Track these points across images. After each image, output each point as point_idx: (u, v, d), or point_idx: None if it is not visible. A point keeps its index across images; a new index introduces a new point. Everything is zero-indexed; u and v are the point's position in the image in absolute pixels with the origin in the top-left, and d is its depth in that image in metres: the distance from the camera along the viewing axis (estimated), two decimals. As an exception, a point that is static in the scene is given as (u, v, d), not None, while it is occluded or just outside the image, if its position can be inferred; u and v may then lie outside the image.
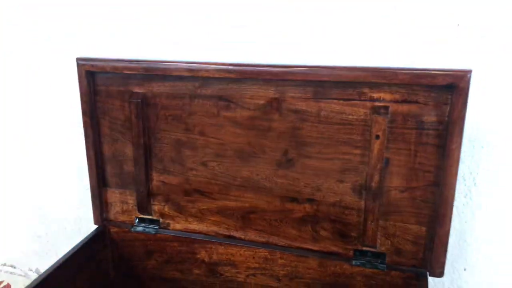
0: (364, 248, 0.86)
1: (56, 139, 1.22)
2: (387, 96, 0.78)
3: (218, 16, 0.98)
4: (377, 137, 0.79)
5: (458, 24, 0.83)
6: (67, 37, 1.10)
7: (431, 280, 1.01)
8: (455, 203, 0.95)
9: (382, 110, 0.78)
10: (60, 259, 0.88)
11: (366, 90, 0.78)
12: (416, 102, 0.76)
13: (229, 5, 0.96)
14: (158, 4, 1.01)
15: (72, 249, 0.92)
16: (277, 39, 0.95)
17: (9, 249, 1.41)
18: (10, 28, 1.14)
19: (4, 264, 1.44)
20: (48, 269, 0.86)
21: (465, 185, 0.93)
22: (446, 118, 0.75)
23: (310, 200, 0.87)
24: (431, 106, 0.76)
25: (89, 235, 0.97)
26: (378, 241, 0.85)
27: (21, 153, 1.27)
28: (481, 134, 0.89)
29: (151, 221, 0.99)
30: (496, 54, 0.83)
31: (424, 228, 0.82)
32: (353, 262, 0.86)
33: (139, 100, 0.91)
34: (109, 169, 1.00)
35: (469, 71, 0.71)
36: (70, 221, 1.29)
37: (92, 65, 0.92)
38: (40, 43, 1.13)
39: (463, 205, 0.94)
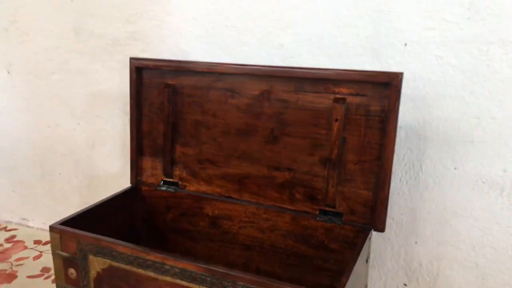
0: (327, 208, 1.13)
1: (104, 122, 1.57)
2: (345, 90, 1.06)
3: (228, 31, 1.31)
4: (336, 120, 1.07)
5: (405, 44, 1.12)
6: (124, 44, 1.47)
7: (389, 251, 1.25)
8: (407, 186, 1.20)
9: (341, 101, 1.06)
10: (100, 200, 1.20)
11: (330, 85, 1.07)
12: (365, 95, 1.04)
13: (236, 22, 1.29)
14: (189, 21, 1.36)
15: (111, 195, 1.24)
16: (270, 49, 1.26)
17: (62, 214, 1.75)
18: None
19: (58, 227, 1.79)
20: (89, 206, 1.17)
21: (414, 171, 1.18)
22: (386, 108, 1.02)
23: (289, 169, 1.16)
24: (376, 98, 1.04)
25: (125, 188, 1.29)
26: (337, 203, 1.11)
27: (74, 134, 1.63)
28: (426, 129, 1.15)
29: (172, 183, 1.30)
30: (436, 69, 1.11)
31: (371, 193, 1.08)
32: (318, 219, 1.13)
33: (171, 90, 1.25)
34: (145, 142, 1.32)
35: (401, 73, 0.99)
36: (113, 190, 1.61)
37: (141, 63, 1.27)
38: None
39: (413, 186, 1.19)
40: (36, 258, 1.61)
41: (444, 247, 1.19)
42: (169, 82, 1.25)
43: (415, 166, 1.18)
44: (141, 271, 0.96)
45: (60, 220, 1.08)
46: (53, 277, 1.49)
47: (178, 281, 0.93)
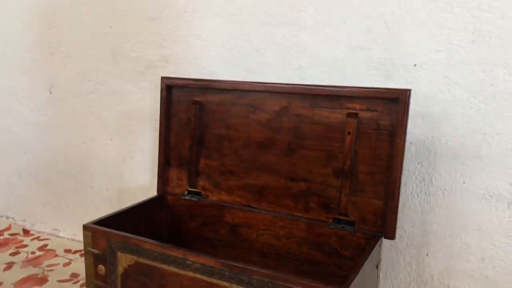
0: (340, 217, 1.19)
1: (135, 138, 1.69)
2: (357, 106, 1.15)
3: (252, 53, 1.42)
4: (349, 133, 1.15)
5: (415, 65, 1.20)
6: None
7: (402, 263, 1.30)
8: (418, 199, 1.26)
9: (353, 115, 1.15)
10: (129, 206, 1.30)
11: (344, 101, 1.16)
12: (376, 110, 1.13)
13: (259, 46, 1.40)
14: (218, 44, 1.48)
15: (139, 202, 1.34)
16: (290, 70, 1.36)
17: (93, 226, 1.86)
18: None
19: (87, 237, 1.89)
20: (118, 210, 1.27)
21: (424, 184, 1.24)
22: (395, 122, 1.10)
23: (304, 180, 1.23)
24: (385, 113, 1.12)
25: (152, 197, 1.39)
26: (350, 212, 1.18)
27: (107, 149, 1.75)
28: (435, 144, 1.21)
29: (196, 193, 1.39)
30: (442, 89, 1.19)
31: (381, 203, 1.14)
32: (331, 227, 1.19)
33: (198, 106, 1.36)
34: (172, 155, 1.43)
35: (409, 90, 1.07)
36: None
37: (171, 82, 1.39)
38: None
39: (424, 199, 1.25)
40: (66, 265, 1.71)
41: (455, 260, 1.23)
42: (196, 99, 1.36)
43: (426, 180, 1.24)
44: (164, 266, 1.04)
45: (92, 221, 1.18)
46: (81, 281, 1.58)
47: (199, 276, 1.01)
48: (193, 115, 1.37)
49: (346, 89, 1.15)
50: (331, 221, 1.20)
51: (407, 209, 1.27)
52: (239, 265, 0.95)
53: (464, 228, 1.21)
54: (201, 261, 0.99)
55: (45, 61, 1.81)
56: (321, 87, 1.18)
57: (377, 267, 1.13)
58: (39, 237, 1.95)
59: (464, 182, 1.19)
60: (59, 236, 1.95)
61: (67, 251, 1.83)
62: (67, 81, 1.78)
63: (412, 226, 1.27)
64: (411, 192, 1.26)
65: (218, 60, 1.48)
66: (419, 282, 1.29)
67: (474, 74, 1.14)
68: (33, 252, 1.81)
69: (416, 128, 1.23)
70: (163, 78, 1.39)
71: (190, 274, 1.02)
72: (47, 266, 1.70)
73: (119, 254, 1.11)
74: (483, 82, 1.14)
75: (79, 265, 1.70)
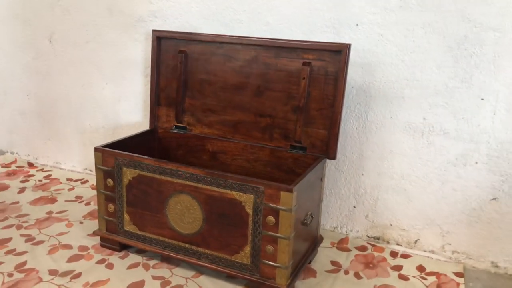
0: (295, 144, 1.54)
1: (128, 82, 1.98)
2: (310, 56, 1.47)
3: (228, 11, 1.71)
4: (304, 78, 1.48)
5: (357, 24, 1.52)
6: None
7: (343, 181, 1.66)
8: (356, 131, 1.61)
9: (307, 64, 1.47)
10: (128, 136, 1.62)
11: (300, 52, 1.48)
12: (325, 60, 1.45)
13: (234, 4, 1.69)
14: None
15: (136, 133, 1.65)
16: (260, 26, 1.66)
17: (89, 158, 2.15)
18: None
19: (86, 168, 2.20)
20: (119, 138, 1.59)
21: (362, 119, 1.59)
22: (338, 69, 1.43)
23: (270, 116, 1.56)
24: (331, 62, 1.44)
25: (145, 130, 1.71)
26: (303, 140, 1.52)
27: (103, 92, 2.04)
28: (371, 88, 1.55)
29: (182, 127, 1.71)
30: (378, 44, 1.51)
31: (326, 132, 1.49)
32: (288, 150, 1.54)
33: (183, 55, 1.65)
34: (162, 96, 1.73)
35: (349, 44, 1.39)
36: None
37: (160, 34, 1.67)
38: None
39: (361, 131, 1.60)
40: (70, 189, 2.03)
41: (382, 177, 1.61)
42: (182, 49, 1.66)
43: (363, 116, 1.59)
44: (161, 177, 1.38)
45: (101, 145, 1.50)
46: (85, 201, 1.91)
47: (188, 182, 1.34)
48: (179, 62, 1.67)
49: (303, 43, 1.47)
50: (288, 147, 1.55)
51: (349, 139, 1.63)
52: (218, 172, 1.30)
53: (390, 153, 1.58)
54: (189, 171, 1.33)
55: (45, 12, 2.05)
56: (283, 41, 1.50)
57: (321, 180, 1.49)
58: (43, 169, 2.25)
59: (391, 117, 1.55)
60: (60, 168, 2.25)
61: (69, 179, 2.14)
62: (66, 32, 2.03)
63: (352, 153, 1.63)
64: (351, 126, 1.61)
65: (199, 16, 1.76)
66: (355, 195, 1.66)
67: (401, 32, 1.47)
68: (40, 180, 2.12)
69: (357, 76, 1.56)
70: (153, 31, 1.68)
71: (181, 181, 1.36)
72: (54, 190, 2.01)
73: (124, 169, 1.44)
74: (407, 39, 1.47)
75: (81, 190, 2.02)
